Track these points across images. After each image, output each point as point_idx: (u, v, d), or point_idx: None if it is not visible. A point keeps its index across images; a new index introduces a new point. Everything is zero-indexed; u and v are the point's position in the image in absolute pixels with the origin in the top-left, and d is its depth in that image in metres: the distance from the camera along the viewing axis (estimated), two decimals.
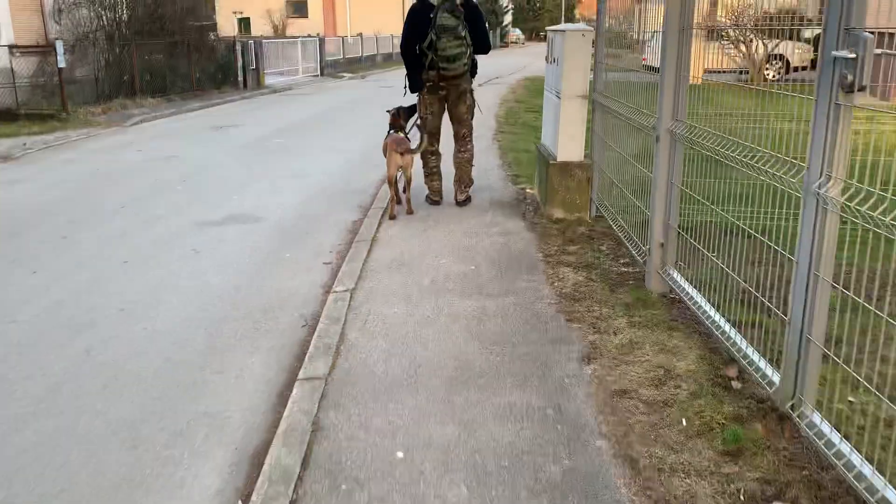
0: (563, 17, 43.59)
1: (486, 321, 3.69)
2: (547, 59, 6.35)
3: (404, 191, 6.18)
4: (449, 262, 4.71)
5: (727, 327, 3.34)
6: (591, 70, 5.67)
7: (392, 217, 5.95)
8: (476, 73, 6.11)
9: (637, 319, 3.61)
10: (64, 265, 5.03)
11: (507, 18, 63.43)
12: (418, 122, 6.24)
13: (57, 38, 12.97)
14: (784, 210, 2.77)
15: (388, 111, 6.38)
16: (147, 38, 16.14)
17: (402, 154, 5.85)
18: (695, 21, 3.70)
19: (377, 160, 5.85)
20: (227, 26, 37.38)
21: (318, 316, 3.92)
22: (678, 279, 3.83)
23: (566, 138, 5.74)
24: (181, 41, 16.88)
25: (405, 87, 6.16)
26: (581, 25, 5.96)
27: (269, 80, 21.02)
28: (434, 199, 6.35)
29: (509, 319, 3.70)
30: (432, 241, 5.22)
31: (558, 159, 5.79)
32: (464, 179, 6.32)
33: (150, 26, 16.54)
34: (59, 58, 12.34)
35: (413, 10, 5.97)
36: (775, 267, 2.82)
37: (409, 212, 6.03)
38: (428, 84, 6.00)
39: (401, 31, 6.12)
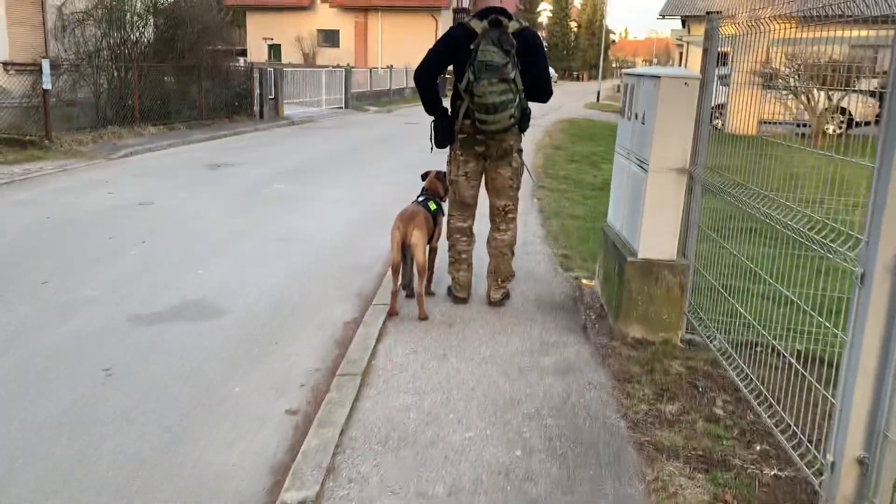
0: (601, 58, 42.06)
1: None
2: (622, 112, 4.65)
3: (416, 285, 4.44)
4: (480, 435, 2.95)
5: None
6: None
7: (391, 314, 4.30)
8: (527, 126, 4.42)
9: None
10: None
11: None
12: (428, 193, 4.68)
13: (44, 57, 11.55)
14: None
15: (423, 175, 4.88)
16: (155, 61, 14.79)
17: (410, 230, 4.20)
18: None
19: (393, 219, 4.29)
20: (257, 53, 36.53)
21: None
22: None
23: (654, 227, 4.01)
24: (193, 66, 15.50)
25: (431, 138, 4.47)
26: (683, 70, 4.26)
27: (288, 111, 19.61)
28: (460, 295, 4.60)
29: None
30: (454, 380, 3.46)
31: (640, 255, 4.05)
32: (501, 271, 4.58)
33: (161, 48, 15.21)
34: (43, 78, 10.90)
35: (449, 35, 4.33)
36: None
37: (422, 316, 4.29)
38: (461, 136, 4.33)
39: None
